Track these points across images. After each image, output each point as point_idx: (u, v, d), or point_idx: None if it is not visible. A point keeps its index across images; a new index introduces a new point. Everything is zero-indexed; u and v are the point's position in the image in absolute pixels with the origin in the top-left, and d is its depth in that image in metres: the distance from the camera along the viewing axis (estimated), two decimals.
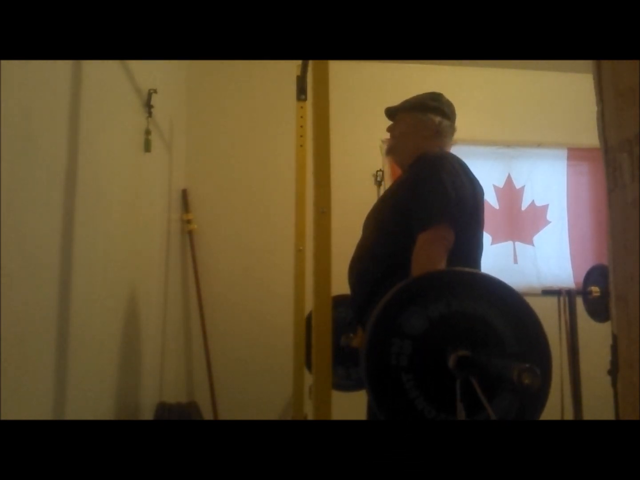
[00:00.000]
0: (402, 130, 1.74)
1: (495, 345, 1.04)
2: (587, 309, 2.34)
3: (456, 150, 3.65)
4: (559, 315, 2.38)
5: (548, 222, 3.42)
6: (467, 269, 1.23)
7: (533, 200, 3.43)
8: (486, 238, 3.31)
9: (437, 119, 1.72)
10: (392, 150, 1.80)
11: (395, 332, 1.00)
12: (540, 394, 1.03)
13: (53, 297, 1.28)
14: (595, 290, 2.30)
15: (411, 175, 1.63)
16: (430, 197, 1.49)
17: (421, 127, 1.71)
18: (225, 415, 2.97)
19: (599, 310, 2.28)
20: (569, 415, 2.26)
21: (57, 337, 1.29)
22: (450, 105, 1.79)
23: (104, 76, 1.62)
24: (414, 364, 1.00)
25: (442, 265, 1.40)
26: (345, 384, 1.85)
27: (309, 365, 1.92)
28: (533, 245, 3.38)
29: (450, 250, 1.44)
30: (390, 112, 1.79)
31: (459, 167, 1.58)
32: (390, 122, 1.82)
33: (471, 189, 1.55)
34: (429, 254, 1.42)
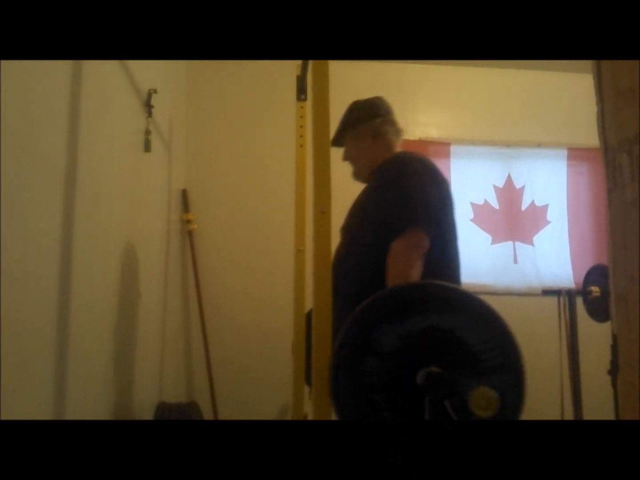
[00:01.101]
0: (352, 152, 1.72)
1: (469, 361, 1.00)
2: (587, 309, 2.34)
3: (456, 150, 3.64)
4: (559, 315, 2.38)
5: (548, 222, 3.42)
6: (435, 283, 1.16)
7: (533, 200, 3.43)
8: (486, 238, 3.35)
9: (376, 121, 1.69)
10: (356, 174, 1.76)
11: (365, 350, 0.97)
12: (514, 410, 0.99)
13: (53, 297, 1.28)
14: (595, 290, 2.30)
15: (374, 184, 1.61)
16: (396, 204, 1.46)
17: (366, 137, 1.68)
18: (225, 415, 2.97)
19: (599, 310, 2.28)
20: (569, 415, 2.26)
21: (57, 337, 1.29)
22: (382, 103, 1.76)
23: (104, 76, 1.62)
24: (386, 383, 0.97)
25: (417, 273, 1.37)
26: None
27: (308, 380, 1.90)
28: (533, 245, 3.38)
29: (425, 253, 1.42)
30: (337, 140, 1.74)
31: (422, 168, 1.54)
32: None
33: (436, 190, 1.51)
34: (403, 263, 1.38)
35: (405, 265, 1.38)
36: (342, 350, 0.99)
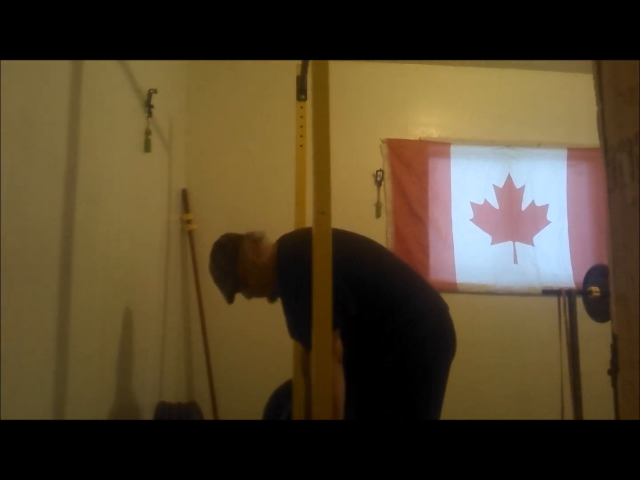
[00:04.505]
0: (252, 285, 1.72)
1: None
2: (587, 309, 2.34)
3: (456, 150, 3.63)
4: (559, 315, 2.37)
5: (548, 222, 3.41)
6: None
7: (533, 200, 3.43)
8: (486, 238, 3.35)
9: (239, 270, 1.70)
10: (270, 296, 1.77)
11: None
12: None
13: (53, 297, 1.28)
14: (595, 290, 2.30)
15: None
16: (290, 316, 1.57)
17: (249, 269, 1.69)
18: (225, 415, 2.97)
19: (599, 310, 2.28)
20: (569, 415, 2.26)
21: (57, 337, 1.29)
22: (224, 245, 1.76)
23: (104, 76, 1.62)
24: None
25: (339, 377, 1.42)
26: None
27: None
28: (533, 245, 3.37)
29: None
30: (234, 289, 1.74)
31: (294, 262, 1.57)
32: None
33: (303, 274, 1.34)
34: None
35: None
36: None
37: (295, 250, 1.61)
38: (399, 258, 1.84)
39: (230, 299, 1.74)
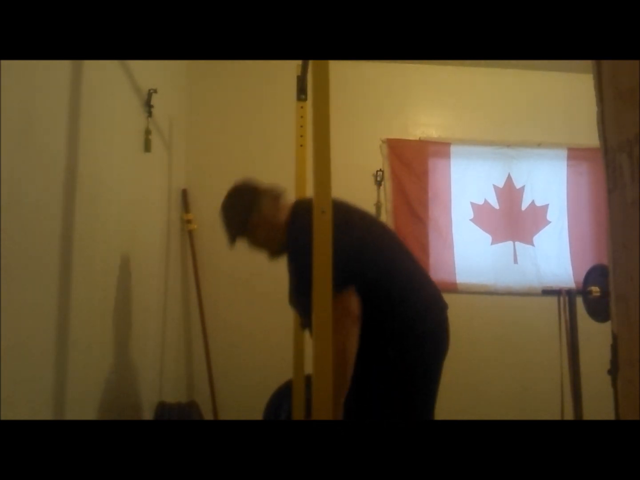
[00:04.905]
0: (259, 237, 1.72)
1: None
2: (587, 309, 2.34)
3: (456, 150, 3.63)
4: (559, 315, 2.37)
5: (548, 222, 3.41)
6: None
7: (533, 200, 3.43)
8: (486, 238, 3.35)
9: (253, 216, 1.69)
10: (274, 253, 1.77)
11: None
12: None
13: (53, 297, 1.28)
14: (595, 290, 2.30)
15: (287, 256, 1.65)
16: (293, 281, 1.59)
17: (261, 223, 1.69)
18: (225, 415, 2.97)
19: (599, 310, 2.28)
20: (569, 415, 2.26)
21: (56, 337, 1.29)
22: (244, 192, 1.74)
23: (104, 76, 1.62)
24: None
25: (353, 340, 1.44)
26: None
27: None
28: (533, 245, 3.37)
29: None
30: (240, 235, 1.73)
31: (305, 225, 1.46)
32: None
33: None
34: (339, 334, 1.33)
35: (341, 336, 1.41)
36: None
37: (310, 217, 1.57)
38: (406, 247, 1.82)
39: (232, 242, 1.72)
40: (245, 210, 1.69)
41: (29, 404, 1.17)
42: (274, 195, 1.72)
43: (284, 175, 2.95)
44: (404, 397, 1.53)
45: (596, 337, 2.16)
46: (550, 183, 3.45)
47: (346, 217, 1.62)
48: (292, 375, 2.18)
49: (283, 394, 2.29)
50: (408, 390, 1.54)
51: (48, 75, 1.23)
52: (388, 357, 1.54)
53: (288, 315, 2.25)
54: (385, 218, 3.28)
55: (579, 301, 2.37)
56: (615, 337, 0.62)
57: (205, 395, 2.96)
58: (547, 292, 2.47)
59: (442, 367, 1.62)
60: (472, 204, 3.38)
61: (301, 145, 2.20)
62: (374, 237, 1.69)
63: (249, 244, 1.75)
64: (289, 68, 2.32)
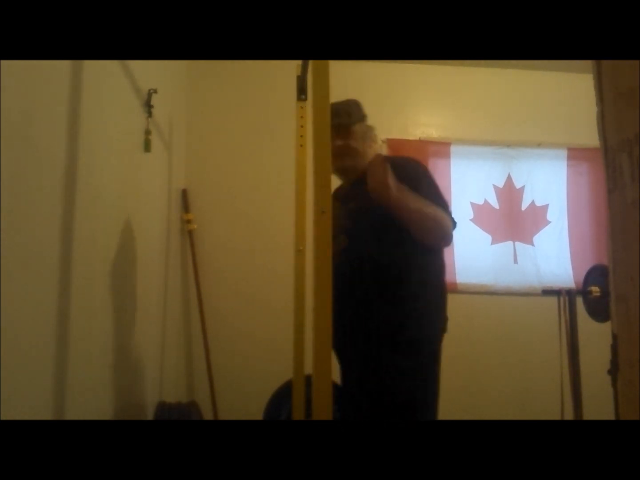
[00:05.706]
0: (357, 141, 1.79)
1: None
2: (587, 309, 2.34)
3: (456, 150, 3.63)
4: (559, 315, 2.37)
5: (548, 222, 3.41)
6: None
7: (533, 200, 3.43)
8: (486, 238, 3.35)
9: (370, 125, 1.86)
10: (349, 168, 1.82)
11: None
12: None
13: (53, 296, 1.28)
14: (595, 290, 2.30)
15: (405, 179, 1.68)
16: (436, 194, 1.68)
17: (368, 135, 1.83)
18: (225, 415, 2.97)
19: (599, 310, 2.28)
20: (569, 415, 2.26)
21: (56, 337, 1.29)
22: (362, 110, 1.90)
23: (104, 76, 1.62)
24: None
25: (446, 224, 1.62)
26: None
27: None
28: (533, 245, 3.38)
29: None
30: (342, 126, 1.80)
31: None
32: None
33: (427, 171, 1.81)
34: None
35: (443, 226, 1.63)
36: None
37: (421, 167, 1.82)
38: None
39: (346, 128, 1.78)
40: (356, 119, 1.81)
41: (29, 404, 1.17)
42: (375, 136, 1.88)
43: (283, 175, 2.96)
44: (416, 394, 1.58)
45: (596, 337, 2.16)
46: (550, 183, 3.45)
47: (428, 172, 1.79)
48: (292, 375, 2.18)
49: (283, 394, 2.29)
50: (420, 387, 1.60)
51: (48, 75, 1.23)
52: (402, 347, 1.58)
53: (288, 315, 2.25)
54: None
55: (579, 301, 2.37)
56: (615, 337, 0.62)
57: (205, 395, 2.96)
58: (547, 292, 2.47)
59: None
60: (472, 204, 3.38)
61: (301, 145, 2.20)
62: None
63: (335, 146, 1.74)
64: (289, 68, 2.32)
